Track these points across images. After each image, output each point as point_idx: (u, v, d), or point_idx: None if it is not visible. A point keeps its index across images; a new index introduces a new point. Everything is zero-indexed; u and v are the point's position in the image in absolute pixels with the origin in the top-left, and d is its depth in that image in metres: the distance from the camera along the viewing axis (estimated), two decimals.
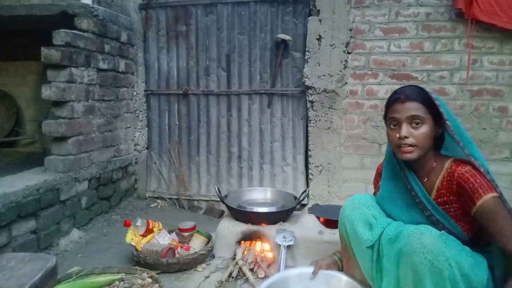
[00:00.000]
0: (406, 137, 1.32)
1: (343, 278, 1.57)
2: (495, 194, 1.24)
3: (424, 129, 1.32)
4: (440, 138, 1.42)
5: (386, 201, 1.49)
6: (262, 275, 2.05)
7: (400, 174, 1.44)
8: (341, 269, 1.66)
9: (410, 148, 1.32)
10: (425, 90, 1.36)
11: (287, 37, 3.09)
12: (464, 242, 1.30)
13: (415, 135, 1.32)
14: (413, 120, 1.32)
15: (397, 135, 1.33)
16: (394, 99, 1.37)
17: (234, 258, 2.16)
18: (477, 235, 1.35)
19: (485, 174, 1.29)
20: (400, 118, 1.33)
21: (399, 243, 1.30)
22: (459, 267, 1.18)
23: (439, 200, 1.35)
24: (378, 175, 1.63)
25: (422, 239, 1.22)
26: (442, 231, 1.25)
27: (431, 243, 1.20)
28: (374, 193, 1.64)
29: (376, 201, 1.53)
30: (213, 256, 2.29)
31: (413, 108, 1.32)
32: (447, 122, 1.32)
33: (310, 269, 1.64)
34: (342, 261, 1.66)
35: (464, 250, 1.24)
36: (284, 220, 2.35)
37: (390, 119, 1.38)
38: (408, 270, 1.25)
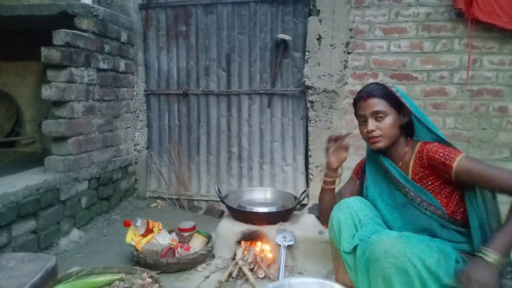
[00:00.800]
0: (372, 131, 1.46)
1: (335, 286, 1.56)
2: (465, 154, 1.35)
3: (388, 120, 1.45)
4: (410, 127, 1.55)
5: (373, 190, 1.59)
6: (262, 275, 2.05)
7: (379, 162, 1.56)
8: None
9: (377, 139, 1.46)
10: (385, 85, 1.49)
11: (287, 37, 3.09)
12: (444, 218, 1.39)
13: (381, 127, 1.45)
14: (377, 115, 1.45)
15: (366, 130, 1.48)
16: (358, 98, 1.52)
17: (234, 258, 2.16)
18: (454, 212, 1.40)
19: (451, 146, 1.40)
20: (365, 114, 1.48)
21: (366, 253, 1.34)
22: (424, 264, 1.19)
23: (415, 177, 1.45)
24: (360, 167, 1.76)
25: (381, 244, 1.25)
26: (402, 232, 1.30)
27: (391, 246, 1.22)
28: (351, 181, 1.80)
29: (368, 192, 1.60)
30: (213, 256, 2.29)
31: (375, 103, 1.46)
32: (410, 109, 1.44)
33: (303, 279, 1.66)
34: (333, 263, 1.65)
35: (429, 247, 1.24)
36: (284, 220, 2.35)
37: (358, 116, 1.53)
38: (377, 277, 1.26)
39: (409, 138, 1.55)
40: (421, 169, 1.43)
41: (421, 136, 1.55)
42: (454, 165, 1.32)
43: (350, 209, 1.51)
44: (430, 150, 1.39)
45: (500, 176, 1.27)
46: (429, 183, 1.42)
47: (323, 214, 1.74)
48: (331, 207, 1.60)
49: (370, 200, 1.58)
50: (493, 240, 1.21)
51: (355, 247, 1.43)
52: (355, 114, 1.58)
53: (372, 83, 1.55)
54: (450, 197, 1.40)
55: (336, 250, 1.55)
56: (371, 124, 1.47)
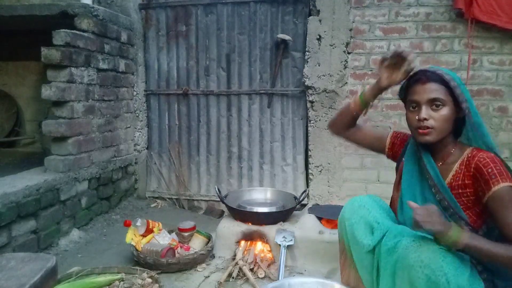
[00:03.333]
0: (425, 119, 1.28)
1: (335, 286, 1.56)
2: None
3: (444, 111, 1.28)
4: (460, 126, 1.37)
5: (405, 182, 1.45)
6: (262, 275, 2.05)
7: (418, 156, 1.42)
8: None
9: (428, 130, 1.29)
10: (446, 71, 1.32)
11: (287, 37, 3.09)
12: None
13: (435, 117, 1.28)
14: (434, 103, 1.28)
15: (416, 117, 1.31)
16: (415, 81, 1.33)
17: (234, 258, 2.16)
18: (479, 227, 1.31)
19: (505, 165, 1.26)
20: (420, 100, 1.30)
21: (396, 254, 1.28)
22: (457, 283, 1.16)
23: (453, 184, 1.32)
24: (400, 143, 1.56)
25: (420, 253, 1.20)
26: (441, 246, 1.21)
27: (429, 258, 1.18)
28: (391, 151, 1.59)
29: (402, 181, 1.47)
30: (213, 256, 2.29)
31: (434, 89, 1.28)
32: (465, 104, 1.28)
33: (303, 279, 1.63)
34: (339, 262, 1.63)
35: (462, 264, 1.21)
36: (284, 220, 2.35)
37: (409, 102, 1.35)
38: (405, 282, 1.23)
39: (456, 139, 1.38)
40: (463, 178, 1.29)
41: (470, 139, 1.37)
42: (494, 189, 1.20)
43: (363, 207, 1.46)
44: (482, 159, 1.25)
45: None
46: (465, 195, 1.29)
47: (335, 122, 1.64)
48: (344, 126, 1.57)
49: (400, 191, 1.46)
50: (476, 236, 1.20)
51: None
52: (403, 98, 1.41)
53: (427, 69, 1.35)
54: (481, 215, 1.29)
55: (344, 246, 1.52)
56: (425, 112, 1.28)
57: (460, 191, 1.30)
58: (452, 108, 1.30)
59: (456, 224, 1.23)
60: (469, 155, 1.30)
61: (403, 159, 1.49)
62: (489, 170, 1.22)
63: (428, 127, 1.28)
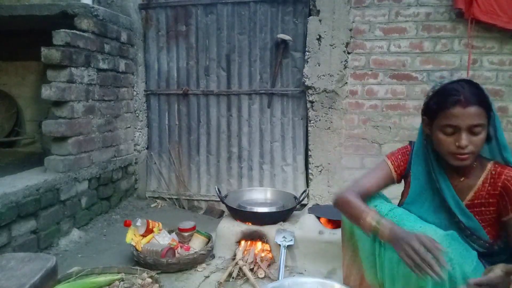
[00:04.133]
0: (466, 146, 1.18)
1: (335, 286, 1.56)
2: None
3: (483, 135, 1.20)
4: None
5: (413, 202, 1.39)
6: (262, 275, 2.05)
7: (431, 174, 1.33)
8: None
9: (468, 156, 1.20)
10: (480, 87, 1.21)
11: (287, 37, 3.09)
12: (487, 248, 1.25)
13: (475, 142, 1.19)
14: (475, 128, 1.17)
15: (456, 144, 1.19)
16: (453, 102, 1.18)
17: (234, 258, 2.16)
18: (498, 241, 1.28)
19: None
20: (461, 126, 1.17)
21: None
22: (461, 269, 1.16)
23: (475, 201, 1.27)
24: (404, 160, 1.43)
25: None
26: (448, 232, 1.19)
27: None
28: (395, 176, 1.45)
29: (406, 201, 1.42)
30: (213, 256, 2.29)
31: (476, 114, 1.16)
32: (496, 121, 1.23)
33: (303, 279, 1.60)
34: (342, 254, 1.59)
35: (469, 254, 1.20)
36: (284, 220, 2.35)
37: (446, 126, 1.20)
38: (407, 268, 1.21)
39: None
40: (487, 196, 1.24)
41: (492, 153, 1.30)
42: None
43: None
44: (510, 178, 1.20)
45: None
46: (488, 212, 1.25)
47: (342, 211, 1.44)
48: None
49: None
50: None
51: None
52: (432, 117, 1.24)
53: (463, 81, 1.21)
54: (498, 231, 1.26)
55: (349, 235, 1.48)
56: (466, 138, 1.17)
57: (483, 208, 1.25)
58: (487, 128, 1.22)
59: (475, 244, 1.21)
60: (493, 172, 1.24)
61: (410, 171, 1.42)
62: None
63: (468, 153, 1.19)
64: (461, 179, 1.29)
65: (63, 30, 2.54)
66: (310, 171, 3.13)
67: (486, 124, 1.20)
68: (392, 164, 1.44)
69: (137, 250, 2.17)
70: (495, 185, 1.23)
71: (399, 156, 1.45)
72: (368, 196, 1.40)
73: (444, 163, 1.31)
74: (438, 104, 1.22)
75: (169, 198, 3.53)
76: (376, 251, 1.33)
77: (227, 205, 2.40)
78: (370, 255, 1.36)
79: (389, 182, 1.45)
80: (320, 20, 2.95)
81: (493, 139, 1.25)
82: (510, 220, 1.19)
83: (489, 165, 1.27)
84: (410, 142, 1.48)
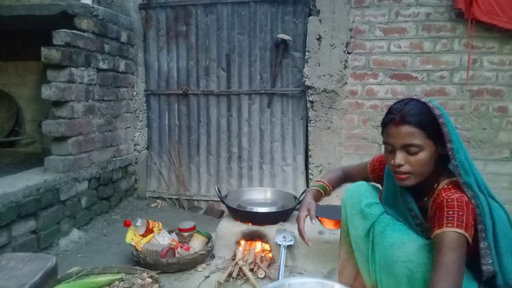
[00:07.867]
0: (400, 165, 1.19)
1: (335, 286, 1.56)
2: (463, 233, 1.07)
3: (422, 156, 1.17)
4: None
5: (386, 205, 1.43)
6: (262, 275, 2.05)
7: (400, 193, 1.34)
8: (326, 195, 1.66)
9: (406, 176, 1.20)
10: (427, 105, 1.18)
11: (287, 37, 3.09)
12: None
13: (412, 162, 1.18)
14: (409, 148, 1.17)
15: (391, 162, 1.21)
16: (389, 121, 1.21)
17: (234, 258, 2.16)
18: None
19: (474, 208, 1.14)
20: (394, 144, 1.19)
21: (381, 249, 1.30)
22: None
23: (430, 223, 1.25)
24: (379, 168, 1.50)
25: (404, 249, 1.22)
26: (429, 241, 1.18)
27: (414, 254, 1.19)
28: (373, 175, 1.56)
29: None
30: (213, 256, 2.29)
31: (409, 134, 1.16)
32: (449, 145, 1.16)
33: (303, 279, 1.62)
34: (338, 253, 1.64)
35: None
36: (284, 220, 2.35)
37: (385, 143, 1.24)
38: (391, 277, 1.25)
39: (442, 168, 1.25)
40: (431, 211, 1.21)
41: (455, 171, 1.21)
42: (436, 232, 1.10)
43: (356, 193, 1.48)
44: (446, 199, 1.14)
45: (443, 284, 1.02)
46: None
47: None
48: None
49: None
50: None
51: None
52: (382, 136, 1.27)
53: (409, 100, 1.21)
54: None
55: (346, 231, 1.52)
56: (399, 157, 1.18)
57: (431, 223, 1.21)
58: (432, 148, 1.18)
59: None
60: (439, 192, 1.20)
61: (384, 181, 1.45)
62: (450, 212, 1.11)
63: (405, 173, 1.19)
64: (425, 199, 1.27)
65: (63, 30, 2.54)
66: (310, 171, 3.13)
67: (425, 145, 1.16)
68: (369, 167, 1.56)
69: (137, 250, 2.17)
70: (434, 203, 1.20)
71: (377, 163, 1.53)
72: (350, 179, 1.64)
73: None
74: (382, 122, 1.26)
75: (169, 198, 3.53)
76: (369, 250, 1.38)
77: (227, 205, 2.40)
78: (363, 250, 1.41)
79: (368, 179, 1.56)
80: (320, 20, 2.95)
81: (451, 160, 1.18)
82: (434, 238, 1.13)
83: (441, 185, 1.22)
84: None
